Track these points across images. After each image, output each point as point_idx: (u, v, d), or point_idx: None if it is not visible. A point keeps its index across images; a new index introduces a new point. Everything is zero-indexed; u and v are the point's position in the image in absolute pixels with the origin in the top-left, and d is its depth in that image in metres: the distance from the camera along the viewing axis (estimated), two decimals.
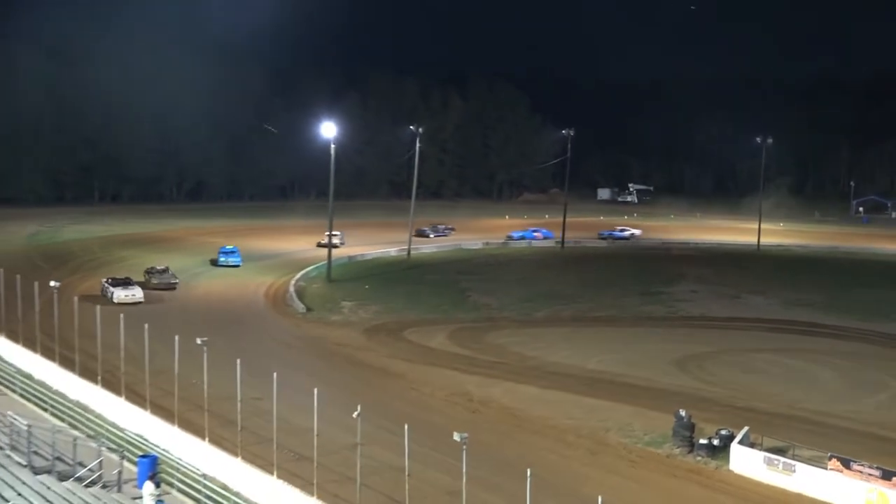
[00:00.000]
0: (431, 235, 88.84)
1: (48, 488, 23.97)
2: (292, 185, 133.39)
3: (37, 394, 33.29)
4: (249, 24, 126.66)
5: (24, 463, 25.84)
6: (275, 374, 25.55)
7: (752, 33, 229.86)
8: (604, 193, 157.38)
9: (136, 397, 31.04)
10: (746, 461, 28.16)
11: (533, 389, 37.22)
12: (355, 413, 22.84)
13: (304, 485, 24.08)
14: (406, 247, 77.32)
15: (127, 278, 53.87)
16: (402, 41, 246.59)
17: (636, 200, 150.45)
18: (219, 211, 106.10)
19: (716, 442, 29.34)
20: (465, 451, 20.88)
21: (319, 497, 23.48)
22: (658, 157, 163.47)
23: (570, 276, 69.64)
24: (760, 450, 28.17)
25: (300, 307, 53.48)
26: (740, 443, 28.72)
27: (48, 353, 35.76)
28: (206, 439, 27.49)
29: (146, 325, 30.68)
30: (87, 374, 33.39)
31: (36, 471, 25.45)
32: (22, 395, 33.62)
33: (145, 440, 28.64)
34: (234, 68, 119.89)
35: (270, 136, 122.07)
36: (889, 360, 43.66)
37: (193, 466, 26.08)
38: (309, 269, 65.37)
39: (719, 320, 53.62)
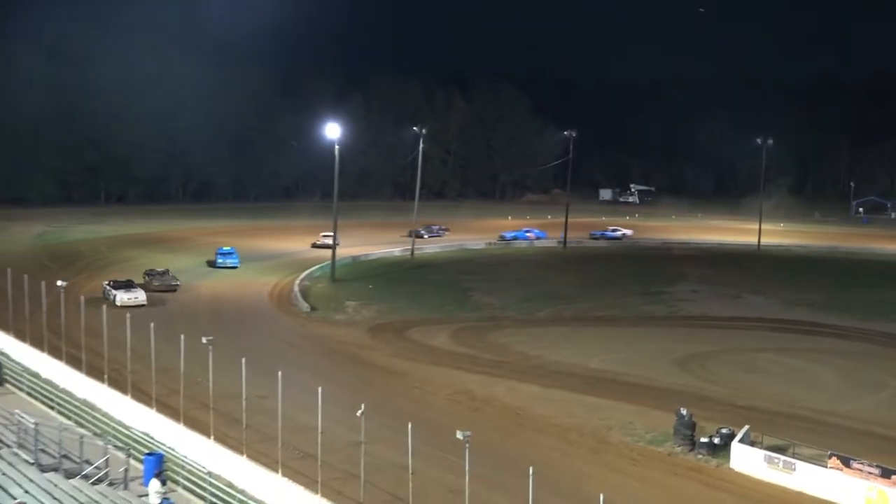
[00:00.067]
0: (426, 236, 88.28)
1: (55, 486, 24.19)
2: (297, 186, 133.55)
3: (44, 392, 33.51)
4: (249, 25, 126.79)
5: (32, 461, 25.98)
6: (280, 373, 25.81)
7: (752, 33, 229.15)
8: (605, 194, 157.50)
9: (142, 396, 31.26)
10: (747, 459, 28.36)
11: (535, 388, 37.42)
12: (359, 411, 23.06)
13: (309, 482, 24.31)
14: (409, 247, 77.57)
15: (129, 280, 53.31)
16: (403, 41, 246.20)
17: (638, 201, 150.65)
18: (224, 211, 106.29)
19: (717, 440, 29.53)
20: (467, 450, 21.09)
21: (324, 495, 23.66)
22: (658, 158, 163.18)
23: (571, 276, 69.81)
24: (761, 448, 28.35)
25: (304, 307, 53.72)
26: (741, 441, 28.89)
27: (55, 352, 35.98)
28: (212, 437, 27.71)
29: (152, 325, 30.94)
30: (94, 372, 33.67)
31: (43, 468, 25.63)
32: (29, 394, 33.88)
33: (151, 438, 28.86)
34: (236, 69, 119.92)
35: (274, 137, 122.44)
36: (889, 359, 43.76)
37: (199, 464, 26.33)
38: (313, 269, 65.54)
39: (720, 320, 53.74)
